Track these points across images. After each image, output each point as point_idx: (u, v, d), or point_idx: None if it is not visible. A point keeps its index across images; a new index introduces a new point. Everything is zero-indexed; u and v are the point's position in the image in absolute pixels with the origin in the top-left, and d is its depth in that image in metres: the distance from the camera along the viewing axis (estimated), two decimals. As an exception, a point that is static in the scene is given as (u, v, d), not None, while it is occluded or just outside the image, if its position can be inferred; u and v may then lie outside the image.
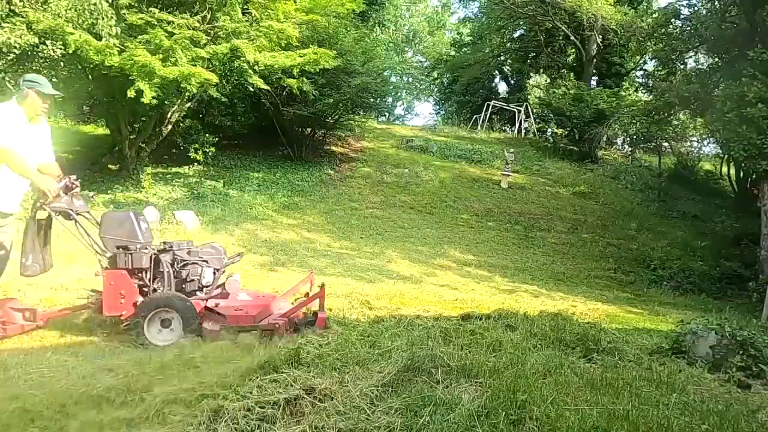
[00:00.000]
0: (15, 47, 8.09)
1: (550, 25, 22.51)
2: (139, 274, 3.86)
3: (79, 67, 10.07)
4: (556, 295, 7.75)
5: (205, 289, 4.11)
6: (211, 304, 4.00)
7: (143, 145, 11.44)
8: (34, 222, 3.80)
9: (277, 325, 3.82)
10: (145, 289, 3.86)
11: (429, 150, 17.59)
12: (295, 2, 11.42)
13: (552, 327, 4.19)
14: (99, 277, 3.92)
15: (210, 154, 12.54)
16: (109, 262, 3.84)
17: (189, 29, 9.51)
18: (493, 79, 28.90)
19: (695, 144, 20.44)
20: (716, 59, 13.84)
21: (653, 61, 18.96)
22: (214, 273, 4.17)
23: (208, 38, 10.01)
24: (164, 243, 4.12)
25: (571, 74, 23.94)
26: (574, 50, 23.93)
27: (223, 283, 4.23)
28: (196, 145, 12.38)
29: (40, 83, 3.91)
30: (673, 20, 14.11)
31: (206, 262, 4.09)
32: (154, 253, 3.92)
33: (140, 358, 3.07)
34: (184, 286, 3.97)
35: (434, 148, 17.74)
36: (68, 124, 15.73)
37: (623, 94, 21.03)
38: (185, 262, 4.02)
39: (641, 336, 5.07)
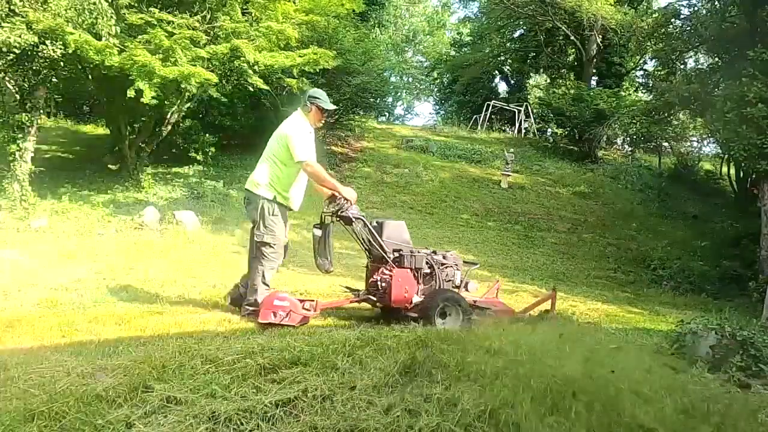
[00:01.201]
0: (15, 47, 8.08)
1: (550, 25, 22.51)
2: (415, 273, 4.44)
3: (79, 67, 10.06)
4: (556, 295, 7.74)
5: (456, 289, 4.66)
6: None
7: (143, 145, 11.43)
8: (329, 226, 4.42)
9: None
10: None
11: (429, 150, 17.59)
12: (294, 2, 11.41)
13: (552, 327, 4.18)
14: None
15: (210, 154, 12.53)
16: (393, 261, 4.43)
17: (189, 29, 9.50)
18: (493, 79, 28.89)
19: (695, 144, 20.45)
20: (716, 59, 13.84)
21: (653, 61, 18.97)
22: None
23: (208, 38, 10.01)
24: (426, 249, 4.74)
25: (571, 74, 23.95)
26: (574, 50, 23.93)
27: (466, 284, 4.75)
28: (196, 145, 12.38)
29: (321, 99, 4.42)
30: (673, 20, 14.11)
31: (456, 265, 4.68)
32: (426, 256, 4.54)
33: (140, 358, 3.07)
34: (443, 285, 4.55)
35: (434, 148, 17.73)
36: (68, 124, 15.74)
37: (623, 94, 21.04)
38: (445, 265, 4.62)
39: (641, 336, 5.08)
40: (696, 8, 13.70)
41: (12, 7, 8.16)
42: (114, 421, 2.30)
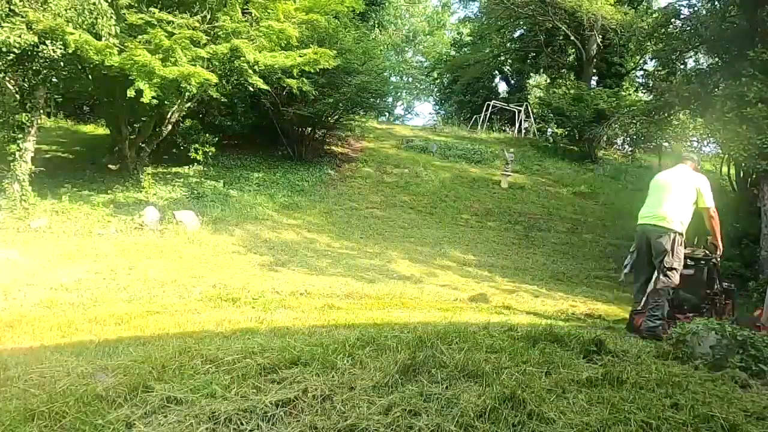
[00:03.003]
0: (15, 47, 8.08)
1: (550, 25, 22.49)
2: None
3: (79, 67, 10.06)
4: (556, 295, 7.76)
5: None
6: None
7: (143, 145, 11.44)
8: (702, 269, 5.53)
9: None
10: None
11: (429, 150, 17.59)
12: (294, 2, 11.41)
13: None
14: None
15: (210, 154, 12.53)
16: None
17: (189, 29, 9.51)
18: (493, 79, 28.89)
19: (695, 144, 20.40)
20: (716, 59, 13.81)
21: (653, 61, 18.93)
22: None
23: (208, 38, 10.01)
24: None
25: (571, 74, 23.93)
26: (574, 50, 23.91)
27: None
28: (196, 145, 12.37)
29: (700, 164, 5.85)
30: (673, 20, 14.08)
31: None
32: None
33: (140, 358, 3.06)
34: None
35: (434, 148, 17.73)
36: (68, 124, 15.74)
37: (623, 94, 21.00)
38: None
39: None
40: (696, 8, 13.68)
41: (12, 7, 8.16)
42: (114, 421, 2.30)
